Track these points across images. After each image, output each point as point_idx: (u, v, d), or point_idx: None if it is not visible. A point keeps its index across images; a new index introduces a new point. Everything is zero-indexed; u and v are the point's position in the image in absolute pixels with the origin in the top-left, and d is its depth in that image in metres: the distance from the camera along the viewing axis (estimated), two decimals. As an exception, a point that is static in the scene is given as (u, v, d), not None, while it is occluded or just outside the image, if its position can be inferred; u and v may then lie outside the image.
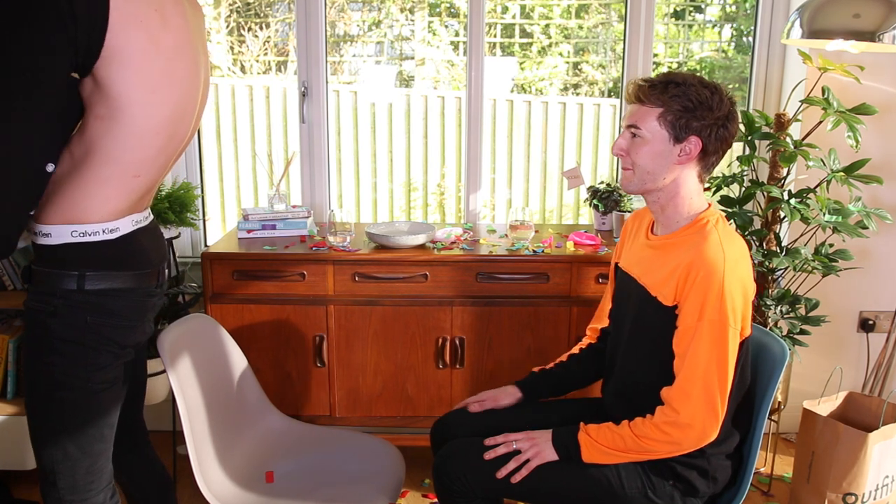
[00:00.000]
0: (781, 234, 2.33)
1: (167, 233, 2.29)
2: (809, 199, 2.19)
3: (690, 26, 3.20)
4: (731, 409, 1.48)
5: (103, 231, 1.28)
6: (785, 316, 2.21)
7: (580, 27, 3.24)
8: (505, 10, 3.21)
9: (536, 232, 2.43)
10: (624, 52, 2.64)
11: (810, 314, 2.21)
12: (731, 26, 3.09)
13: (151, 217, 1.44)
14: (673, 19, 3.12)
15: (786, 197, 2.17)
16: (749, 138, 2.19)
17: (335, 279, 2.20)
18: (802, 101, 2.17)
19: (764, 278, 2.24)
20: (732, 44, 3.09)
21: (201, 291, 2.32)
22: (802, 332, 2.19)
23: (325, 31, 2.59)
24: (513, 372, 2.26)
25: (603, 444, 1.47)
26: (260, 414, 1.89)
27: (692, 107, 1.42)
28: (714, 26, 3.14)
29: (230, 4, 3.18)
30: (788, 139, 2.21)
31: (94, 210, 1.26)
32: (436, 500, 1.83)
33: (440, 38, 3.22)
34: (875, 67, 2.35)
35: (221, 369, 1.82)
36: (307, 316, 2.22)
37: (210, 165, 3.05)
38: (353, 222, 2.26)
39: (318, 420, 2.27)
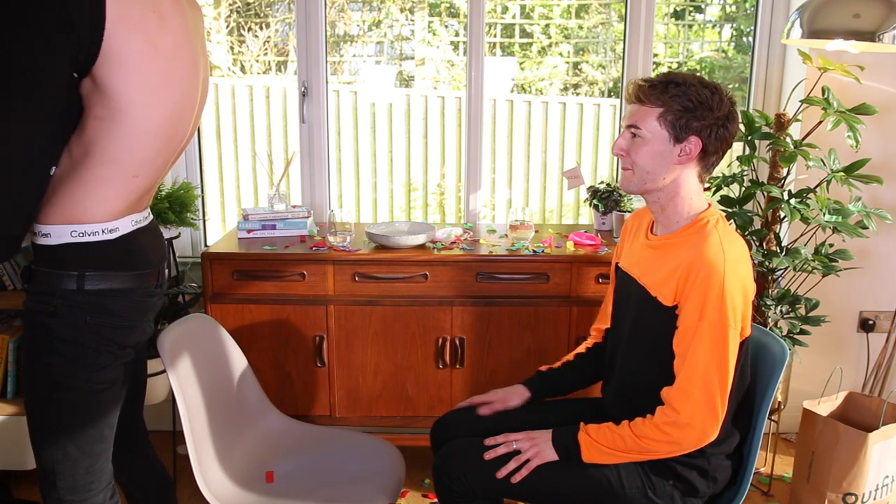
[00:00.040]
0: (781, 234, 2.33)
1: (167, 233, 2.29)
2: (809, 199, 2.19)
3: (690, 26, 3.20)
4: (731, 409, 1.48)
5: (103, 231, 1.28)
6: (785, 316, 2.21)
7: (580, 27, 3.24)
8: (505, 10, 3.21)
9: (536, 232, 2.43)
10: (624, 52, 2.64)
11: (810, 314, 2.21)
12: (731, 26, 3.09)
13: (151, 217, 1.44)
14: (673, 19, 3.12)
15: (786, 197, 2.17)
16: (749, 138, 2.19)
17: (335, 279, 2.20)
18: (802, 101, 2.17)
19: (764, 278, 2.24)
20: (732, 44, 3.09)
21: (201, 291, 2.32)
22: (802, 332, 2.19)
23: (325, 31, 2.60)
24: (513, 372, 2.26)
25: (603, 444, 1.47)
26: (260, 414, 1.89)
27: (692, 107, 1.42)
28: (714, 26, 3.14)
29: (230, 4, 3.18)
30: (788, 139, 2.21)
31: (93, 210, 1.26)
32: (436, 500, 1.83)
33: (440, 38, 3.22)
34: (875, 67, 2.35)
35: (221, 369, 1.82)
36: (307, 316, 2.22)
37: (210, 165, 3.05)
38: (353, 222, 2.26)
39: (318, 420, 2.27)
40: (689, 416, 1.40)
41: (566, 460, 1.50)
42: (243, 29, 3.19)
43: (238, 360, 1.87)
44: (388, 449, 1.83)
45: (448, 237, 2.32)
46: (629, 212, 2.44)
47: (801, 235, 2.29)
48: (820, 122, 2.15)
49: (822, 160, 2.16)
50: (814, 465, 2.13)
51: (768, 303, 2.21)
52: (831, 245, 2.20)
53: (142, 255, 1.35)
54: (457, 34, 3.23)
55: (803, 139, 2.20)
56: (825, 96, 2.13)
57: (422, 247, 2.24)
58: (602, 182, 2.59)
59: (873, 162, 2.26)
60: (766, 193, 2.19)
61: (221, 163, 3.13)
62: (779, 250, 2.23)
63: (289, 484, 1.72)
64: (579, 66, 3.31)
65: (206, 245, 2.74)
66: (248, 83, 3.15)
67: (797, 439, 2.24)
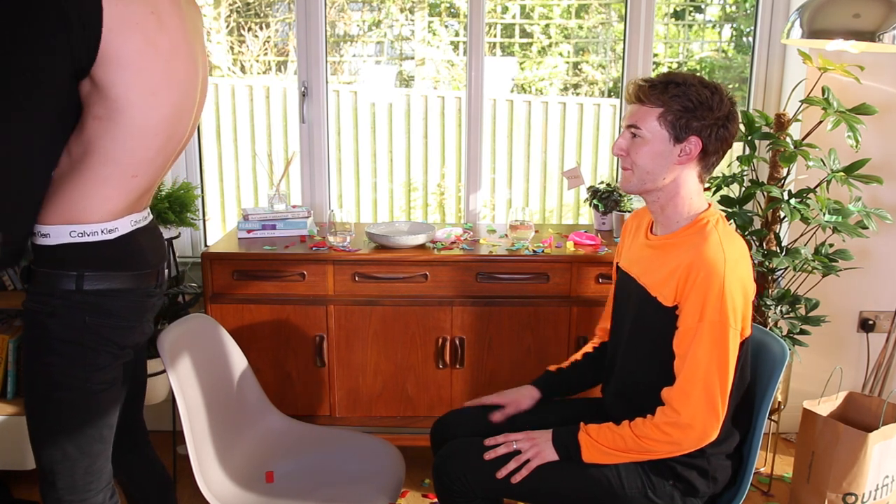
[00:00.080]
0: (781, 234, 2.33)
1: (167, 233, 2.29)
2: (809, 199, 2.19)
3: (690, 26, 3.20)
4: (731, 409, 1.48)
5: (102, 231, 1.27)
6: (785, 316, 2.20)
7: (580, 27, 3.24)
8: (505, 10, 3.21)
9: (536, 232, 2.43)
10: (624, 52, 2.64)
11: (810, 314, 2.21)
12: (731, 26, 3.09)
13: (151, 217, 1.44)
14: (673, 19, 3.12)
15: (786, 197, 2.17)
16: (749, 138, 2.19)
17: (335, 279, 2.20)
18: (802, 101, 2.17)
19: (764, 278, 2.24)
20: (732, 44, 3.09)
21: (201, 291, 2.32)
22: (802, 332, 2.19)
23: (325, 31, 2.59)
24: (513, 372, 2.26)
25: (603, 444, 1.47)
26: (260, 414, 1.89)
27: (692, 107, 1.42)
28: (714, 26, 3.14)
29: (230, 4, 3.18)
30: (788, 139, 2.21)
31: (92, 210, 1.26)
32: (436, 500, 1.83)
33: (440, 38, 3.22)
34: (875, 67, 2.35)
35: (221, 369, 1.82)
36: (307, 316, 2.22)
37: (210, 165, 3.05)
38: (353, 222, 2.26)
39: (318, 420, 2.27)
40: (690, 416, 1.40)
41: (566, 460, 1.50)
42: (243, 29, 3.19)
43: (238, 360, 1.87)
44: (388, 449, 1.83)
45: (448, 237, 2.32)
46: (629, 212, 2.44)
47: (801, 235, 2.29)
48: (820, 122, 2.15)
49: (822, 160, 2.16)
50: (814, 465, 2.12)
51: (768, 303, 2.21)
52: (831, 245, 2.20)
53: (141, 255, 1.35)
54: (457, 34, 3.23)
55: (803, 139, 2.20)
56: (825, 96, 2.13)
57: (422, 247, 2.24)
58: (602, 182, 2.59)
59: (873, 162, 2.26)
60: (766, 193, 2.19)
61: (221, 163, 3.13)
62: (779, 250, 2.23)
63: (289, 484, 1.72)
64: (579, 66, 3.31)
65: (206, 245, 2.74)
66: (248, 83, 3.15)
67: (797, 439, 2.24)
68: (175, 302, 2.37)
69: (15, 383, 2.13)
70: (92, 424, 1.34)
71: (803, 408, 2.18)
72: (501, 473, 1.50)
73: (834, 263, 2.16)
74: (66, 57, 1.15)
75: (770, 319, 2.21)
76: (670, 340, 1.44)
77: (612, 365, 1.65)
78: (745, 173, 2.27)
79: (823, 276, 2.21)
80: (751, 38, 2.69)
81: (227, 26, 3.20)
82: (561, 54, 3.33)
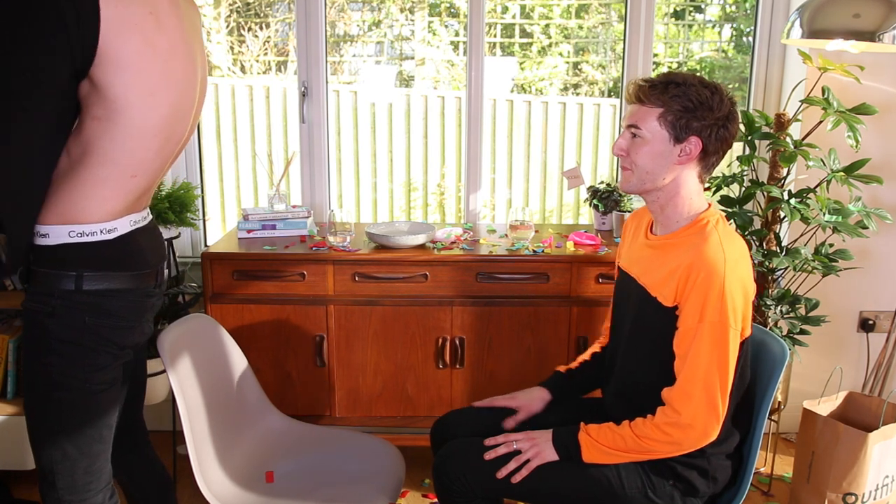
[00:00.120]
0: (781, 234, 2.33)
1: (167, 233, 2.29)
2: (809, 199, 2.19)
3: (690, 26, 3.20)
4: (731, 409, 1.48)
5: (101, 231, 1.27)
6: (785, 316, 2.20)
7: (580, 27, 3.23)
8: (505, 10, 3.21)
9: (536, 232, 2.43)
10: (624, 52, 2.64)
11: (810, 314, 2.21)
12: (731, 26, 3.09)
13: (150, 217, 1.44)
14: (673, 19, 3.12)
15: (786, 197, 2.17)
16: (749, 138, 2.19)
17: (335, 279, 2.19)
18: (802, 101, 2.17)
19: (764, 278, 2.24)
20: (732, 44, 3.09)
21: (201, 291, 2.32)
22: (802, 332, 2.19)
23: (325, 31, 2.59)
24: (513, 372, 2.26)
25: (603, 444, 1.47)
26: (260, 414, 1.89)
27: (692, 107, 1.42)
28: (714, 26, 3.14)
29: (230, 4, 3.18)
30: (788, 139, 2.21)
31: (91, 210, 1.26)
32: (436, 500, 1.83)
33: (440, 38, 3.22)
34: (875, 67, 2.35)
35: (221, 369, 1.82)
36: (307, 316, 2.22)
37: (210, 165, 3.05)
38: (353, 222, 2.26)
39: (318, 420, 2.27)
40: (691, 416, 1.40)
41: (566, 460, 1.50)
42: (243, 29, 3.19)
43: (238, 360, 1.87)
44: (388, 449, 1.83)
45: (448, 237, 2.32)
46: (629, 212, 2.44)
47: (801, 235, 2.29)
48: (820, 122, 2.15)
49: (822, 160, 2.16)
50: (814, 465, 2.12)
51: (768, 303, 2.21)
52: (831, 245, 2.20)
53: (140, 255, 1.35)
54: (457, 34, 3.23)
55: (803, 139, 2.20)
56: (825, 96, 2.13)
57: (422, 247, 2.24)
58: (602, 182, 2.59)
59: (873, 162, 2.26)
60: (766, 193, 2.19)
61: (221, 163, 3.13)
62: (779, 250, 2.23)
63: (289, 484, 1.72)
64: (579, 66, 3.31)
65: (206, 245, 2.74)
66: (248, 83, 3.15)
67: (797, 439, 2.24)
68: (175, 302, 2.37)
69: (15, 383, 2.13)
70: (91, 424, 1.34)
71: (803, 408, 2.18)
72: (501, 473, 1.50)
73: (834, 263, 2.16)
74: (66, 57, 1.15)
75: (770, 319, 2.21)
76: (670, 340, 1.44)
77: (612, 365, 1.65)
78: (745, 173, 2.27)
79: (823, 276, 2.21)
80: (751, 38, 2.69)
81: (227, 26, 3.20)
82: (561, 54, 3.33)
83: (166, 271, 2.01)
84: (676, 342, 1.43)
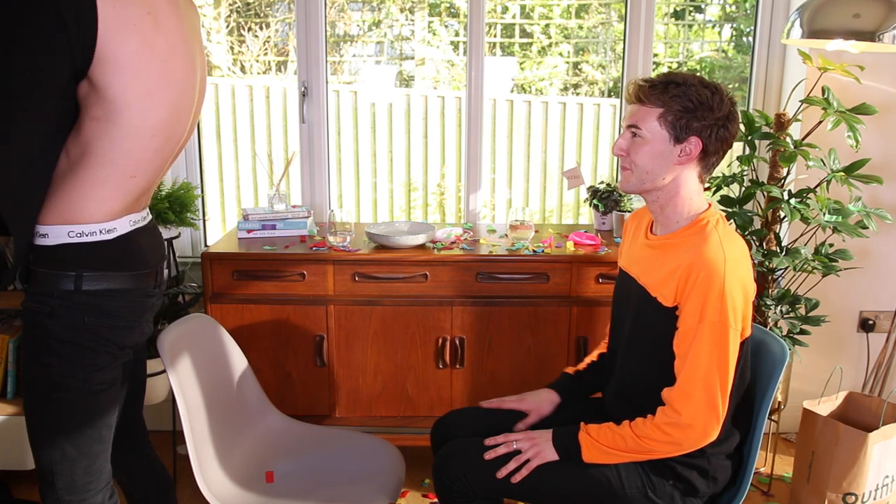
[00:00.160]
0: (781, 234, 2.33)
1: (167, 233, 2.29)
2: (809, 199, 2.19)
3: (690, 26, 3.20)
4: (731, 409, 1.48)
5: (100, 231, 1.27)
6: (785, 316, 2.20)
7: (580, 27, 3.23)
8: (505, 10, 3.21)
9: (536, 232, 2.43)
10: (624, 52, 2.64)
11: (810, 314, 2.20)
12: (731, 26, 3.09)
13: (150, 217, 1.44)
14: (673, 19, 3.12)
15: (786, 197, 2.17)
16: (749, 138, 2.19)
17: (335, 279, 2.19)
18: (802, 101, 2.17)
19: (764, 278, 2.24)
20: (732, 44, 3.09)
21: (201, 291, 2.32)
22: (802, 332, 2.19)
23: (325, 31, 2.59)
24: (513, 372, 2.26)
25: (603, 443, 1.47)
26: (260, 414, 1.89)
27: (692, 107, 1.42)
28: (714, 26, 3.14)
29: (230, 4, 3.18)
30: (788, 139, 2.21)
31: (91, 210, 1.26)
32: (436, 500, 1.83)
33: (440, 38, 3.22)
34: (875, 67, 2.35)
35: (221, 369, 1.82)
36: (307, 316, 2.22)
37: (210, 165, 3.05)
38: (353, 222, 2.26)
39: (318, 420, 2.27)
40: (691, 417, 1.40)
41: (566, 460, 1.50)
42: (243, 29, 3.19)
43: (238, 360, 1.87)
44: (388, 449, 1.83)
45: (448, 237, 2.32)
46: (629, 212, 2.44)
47: (801, 235, 2.29)
48: (820, 122, 2.15)
49: (822, 160, 2.16)
50: (814, 465, 2.12)
51: (768, 303, 2.21)
52: (831, 245, 2.20)
53: (140, 255, 1.35)
54: (457, 34, 3.23)
55: (803, 139, 2.20)
56: (825, 96, 2.13)
57: (422, 247, 2.24)
58: (602, 182, 2.59)
59: (873, 162, 2.26)
60: (766, 193, 2.19)
61: (221, 163, 3.13)
62: (779, 250, 2.23)
63: (289, 484, 1.72)
64: (579, 66, 3.31)
65: (206, 245, 2.74)
66: (248, 83, 3.15)
67: (797, 439, 2.24)
68: (175, 302, 2.37)
69: (15, 383, 2.13)
70: (91, 425, 1.34)
71: (803, 408, 2.18)
72: (501, 473, 1.50)
73: (834, 263, 2.16)
74: (66, 57, 1.15)
75: (770, 319, 2.21)
76: (670, 341, 1.44)
77: (612, 365, 1.65)
78: (745, 173, 2.27)
79: (823, 276, 2.21)
80: (751, 38, 2.69)
81: (227, 26, 3.20)
82: (561, 54, 3.33)
83: (166, 271, 2.01)
84: (676, 342, 1.43)
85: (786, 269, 2.25)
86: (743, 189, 2.23)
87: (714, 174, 2.15)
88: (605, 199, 2.50)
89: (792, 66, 2.54)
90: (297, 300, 2.21)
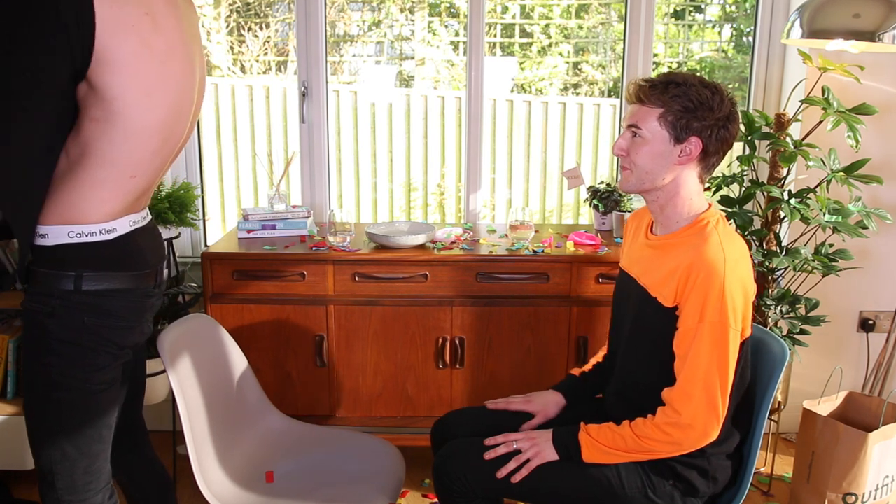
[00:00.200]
0: (781, 234, 2.33)
1: (167, 233, 2.29)
2: (809, 199, 2.19)
3: (690, 26, 3.20)
4: (731, 409, 1.48)
5: (100, 231, 1.28)
6: (785, 316, 2.20)
7: (580, 27, 3.24)
8: (505, 10, 3.21)
9: (536, 232, 2.43)
10: (624, 52, 2.64)
11: (810, 314, 2.20)
12: (731, 26, 3.09)
13: (150, 217, 1.44)
14: (673, 19, 3.12)
15: (786, 197, 2.17)
16: (749, 138, 2.19)
17: (335, 279, 2.19)
18: (802, 101, 2.17)
19: (764, 278, 2.24)
20: (732, 44, 3.09)
21: (201, 291, 2.32)
22: (802, 332, 2.19)
23: (325, 31, 2.59)
24: (513, 372, 2.26)
25: (603, 443, 1.47)
26: (260, 414, 1.89)
27: (693, 107, 1.42)
28: (714, 26, 3.14)
29: (230, 4, 3.18)
30: (788, 139, 2.21)
31: (90, 211, 1.26)
32: (436, 500, 1.83)
33: (440, 38, 3.22)
34: (875, 67, 2.35)
35: (221, 369, 1.82)
36: (307, 316, 2.22)
37: (210, 165, 3.05)
38: (353, 222, 2.26)
39: (318, 420, 2.27)
40: (691, 417, 1.40)
41: (566, 460, 1.50)
42: (243, 29, 3.19)
43: (238, 360, 1.87)
44: (388, 449, 1.83)
45: (448, 237, 2.32)
46: (629, 212, 2.44)
47: (801, 235, 2.29)
48: (820, 122, 2.15)
49: (822, 160, 2.16)
50: (814, 465, 2.12)
51: (768, 303, 2.21)
52: (831, 245, 2.20)
53: (140, 255, 1.35)
54: (457, 34, 3.23)
55: (803, 139, 2.20)
56: (825, 96, 2.13)
57: (422, 247, 2.24)
58: (602, 182, 2.59)
59: (873, 162, 2.26)
60: (766, 193, 2.19)
61: (221, 163, 3.13)
62: (779, 250, 2.23)
63: (289, 484, 1.72)
64: (579, 66, 3.31)
65: (206, 245, 2.74)
66: (248, 83, 3.15)
67: (797, 439, 2.24)
68: (175, 302, 2.37)
69: (15, 383, 2.13)
70: (91, 425, 1.34)
71: (803, 408, 2.18)
72: (501, 473, 1.50)
73: (834, 263, 2.16)
74: (65, 57, 1.15)
75: (770, 319, 2.21)
76: (670, 341, 1.44)
77: (612, 365, 1.65)
78: (745, 173, 2.27)
79: (823, 276, 2.21)
80: (751, 38, 2.69)
81: (227, 26, 3.20)
82: (561, 54, 3.34)
83: (166, 271, 2.01)
84: (676, 342, 1.43)
85: (786, 269, 2.25)
86: (743, 189, 2.23)
87: (714, 174, 2.14)
88: (605, 199, 2.50)
89: (792, 66, 2.54)
90: (297, 300, 2.21)
